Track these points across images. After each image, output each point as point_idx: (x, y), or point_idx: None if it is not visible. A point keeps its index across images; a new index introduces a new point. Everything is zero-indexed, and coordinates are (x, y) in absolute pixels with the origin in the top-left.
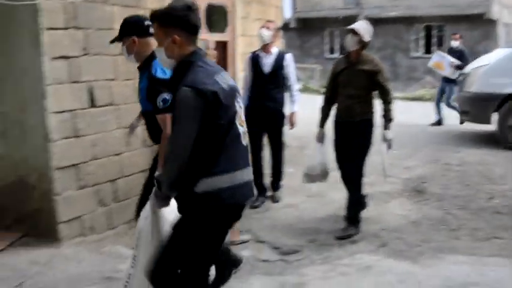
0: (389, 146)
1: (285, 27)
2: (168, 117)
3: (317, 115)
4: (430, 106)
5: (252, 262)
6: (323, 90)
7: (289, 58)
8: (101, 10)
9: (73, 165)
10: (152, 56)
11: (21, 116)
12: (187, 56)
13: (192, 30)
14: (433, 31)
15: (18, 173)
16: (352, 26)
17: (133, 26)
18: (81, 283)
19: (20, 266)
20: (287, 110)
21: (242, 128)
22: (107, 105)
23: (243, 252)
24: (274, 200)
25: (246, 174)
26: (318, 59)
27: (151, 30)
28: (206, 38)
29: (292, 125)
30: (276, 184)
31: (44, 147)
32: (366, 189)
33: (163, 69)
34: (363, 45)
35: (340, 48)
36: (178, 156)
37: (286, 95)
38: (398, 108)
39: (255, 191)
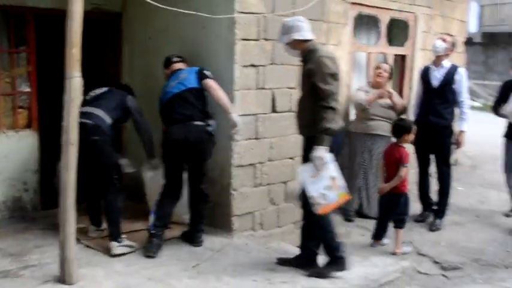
0: None
1: (469, 41)
2: None
3: (493, 135)
4: None
5: (411, 273)
6: None
7: (461, 72)
8: None
9: (251, 164)
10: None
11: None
12: None
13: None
14: None
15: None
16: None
17: (164, 63)
18: (248, 271)
19: (197, 250)
20: (456, 127)
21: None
22: (286, 111)
23: (402, 263)
24: (432, 227)
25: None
26: (501, 76)
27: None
28: (385, 51)
29: (458, 144)
30: (439, 211)
31: (228, 146)
32: None
33: None
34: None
35: None
36: None
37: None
38: None
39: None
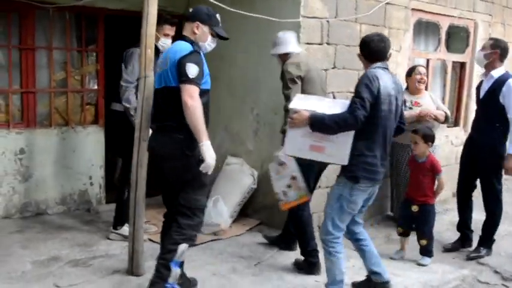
0: None
1: None
2: None
3: None
4: None
5: (471, 282)
6: None
7: (510, 83)
8: (351, 28)
9: None
10: None
11: (272, 118)
12: None
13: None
14: None
15: (264, 168)
16: None
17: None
18: None
19: (258, 249)
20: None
21: None
22: None
23: (462, 271)
24: (471, 255)
25: None
26: None
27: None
28: (444, 58)
29: (506, 171)
30: (482, 242)
31: None
32: None
33: None
34: None
35: None
36: None
37: None
38: None
39: None
